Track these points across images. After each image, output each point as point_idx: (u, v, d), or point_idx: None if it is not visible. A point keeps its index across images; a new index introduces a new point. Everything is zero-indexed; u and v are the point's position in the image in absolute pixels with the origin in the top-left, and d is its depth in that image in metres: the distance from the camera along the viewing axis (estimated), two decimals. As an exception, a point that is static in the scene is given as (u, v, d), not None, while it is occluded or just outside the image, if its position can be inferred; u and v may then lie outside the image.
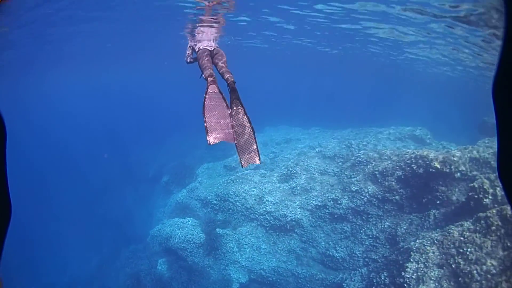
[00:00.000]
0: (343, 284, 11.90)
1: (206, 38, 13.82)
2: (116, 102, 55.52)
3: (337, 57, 25.45)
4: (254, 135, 5.54)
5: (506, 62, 0.90)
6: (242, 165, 5.71)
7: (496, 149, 1.00)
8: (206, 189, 16.40)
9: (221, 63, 6.21)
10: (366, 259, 12.36)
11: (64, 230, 19.95)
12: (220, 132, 5.27)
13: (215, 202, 15.58)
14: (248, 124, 5.50)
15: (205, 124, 5.20)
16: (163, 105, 51.40)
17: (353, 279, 11.80)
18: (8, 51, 17.67)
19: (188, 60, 7.46)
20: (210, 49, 6.54)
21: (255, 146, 5.58)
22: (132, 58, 31.71)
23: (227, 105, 5.43)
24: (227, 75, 5.87)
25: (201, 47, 6.62)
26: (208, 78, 5.65)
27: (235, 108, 5.55)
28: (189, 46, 7.38)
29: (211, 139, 5.18)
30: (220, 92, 5.48)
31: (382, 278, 10.30)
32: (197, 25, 12.79)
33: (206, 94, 5.40)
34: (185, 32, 14.31)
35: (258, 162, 5.68)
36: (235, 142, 5.41)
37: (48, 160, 29.90)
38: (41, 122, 47.33)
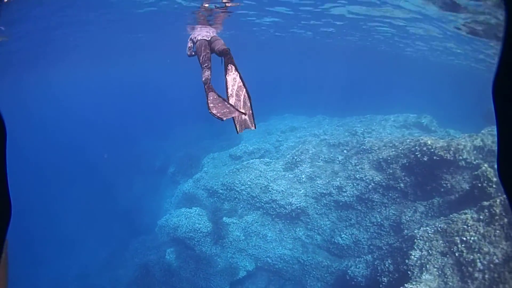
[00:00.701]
0: (348, 271, 12.06)
1: (205, 29, 13.89)
2: (120, 96, 55.49)
3: (341, 46, 25.23)
4: (249, 100, 5.57)
5: (506, 62, 0.90)
6: (237, 131, 5.77)
7: (496, 150, 1.03)
8: (212, 178, 16.48)
9: (218, 44, 6.26)
10: (371, 247, 12.49)
11: (73, 224, 20.21)
12: (228, 112, 5.36)
13: (221, 191, 15.71)
14: (244, 88, 5.56)
15: (217, 116, 5.29)
16: (167, 97, 51.29)
17: (358, 266, 11.95)
18: (10, 47, 17.66)
19: (190, 53, 7.44)
20: (207, 39, 6.58)
21: (250, 112, 5.62)
22: (136, 51, 31.69)
23: (233, 106, 5.51)
24: (219, 46, 5.92)
25: (199, 38, 6.66)
26: (205, 86, 5.69)
27: (230, 73, 5.60)
28: (190, 39, 7.37)
29: (224, 117, 5.28)
30: (219, 96, 5.56)
31: (387, 265, 10.43)
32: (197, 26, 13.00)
33: (207, 102, 5.48)
34: (186, 27, 14.39)
35: (252, 127, 5.74)
36: (243, 112, 5.45)
37: (55, 155, 30.13)
38: (48, 117, 47.61)
